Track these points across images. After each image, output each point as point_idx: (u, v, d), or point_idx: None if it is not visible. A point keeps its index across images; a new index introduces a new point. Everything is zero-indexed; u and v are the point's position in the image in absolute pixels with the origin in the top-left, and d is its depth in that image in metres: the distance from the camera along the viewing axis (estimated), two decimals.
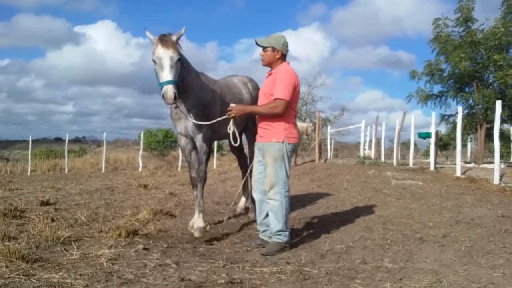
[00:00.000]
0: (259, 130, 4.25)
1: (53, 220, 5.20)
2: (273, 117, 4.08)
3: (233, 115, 4.15)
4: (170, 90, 4.05)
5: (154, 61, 4.21)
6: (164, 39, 4.19)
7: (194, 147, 5.02)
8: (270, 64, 4.23)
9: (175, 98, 4.07)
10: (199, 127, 4.70)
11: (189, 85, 4.56)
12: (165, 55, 4.14)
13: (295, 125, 4.32)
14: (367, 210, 6.02)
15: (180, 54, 4.24)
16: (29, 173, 18.30)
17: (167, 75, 4.11)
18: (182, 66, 4.31)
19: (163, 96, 4.09)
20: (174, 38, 4.24)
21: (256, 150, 4.36)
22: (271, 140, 4.09)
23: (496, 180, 8.32)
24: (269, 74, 4.24)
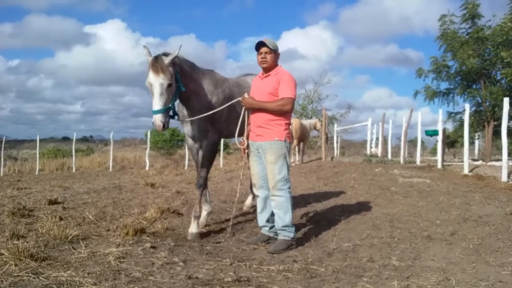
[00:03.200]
0: (256, 130, 4.27)
1: (61, 218, 5.23)
2: (276, 115, 4.14)
3: (243, 104, 4.31)
4: (158, 120, 4.07)
5: (147, 86, 4.18)
6: (154, 65, 4.09)
7: (202, 147, 5.04)
8: (271, 66, 4.27)
9: (164, 126, 4.10)
10: (203, 133, 4.72)
11: (194, 91, 4.54)
12: (155, 82, 4.08)
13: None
14: (374, 208, 6.00)
15: (171, 78, 4.15)
16: (37, 172, 18.42)
17: (156, 103, 4.10)
18: (178, 85, 4.28)
19: (152, 123, 4.12)
20: (166, 61, 4.13)
21: (253, 149, 4.37)
22: (273, 139, 4.14)
23: (504, 178, 8.26)
24: (266, 76, 4.29)
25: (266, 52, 4.21)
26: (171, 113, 4.31)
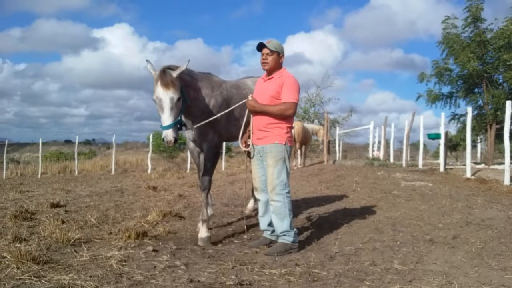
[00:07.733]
0: (258, 133, 4.26)
1: (63, 222, 5.24)
2: (277, 119, 4.13)
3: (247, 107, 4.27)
4: (170, 135, 4.03)
5: (154, 100, 4.11)
6: (163, 78, 4.02)
7: (203, 150, 5.04)
8: (273, 68, 4.23)
9: (175, 141, 4.07)
10: (204, 136, 4.71)
11: (194, 98, 4.52)
12: (165, 97, 4.02)
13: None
14: (376, 211, 5.99)
15: (181, 92, 4.12)
16: (39, 176, 18.46)
17: (167, 118, 4.04)
18: (184, 98, 4.24)
19: (163, 139, 4.08)
20: (174, 74, 4.08)
21: (255, 153, 4.35)
22: (273, 142, 4.13)
23: (506, 181, 8.24)
24: (269, 78, 4.26)
25: (267, 54, 4.17)
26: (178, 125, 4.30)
